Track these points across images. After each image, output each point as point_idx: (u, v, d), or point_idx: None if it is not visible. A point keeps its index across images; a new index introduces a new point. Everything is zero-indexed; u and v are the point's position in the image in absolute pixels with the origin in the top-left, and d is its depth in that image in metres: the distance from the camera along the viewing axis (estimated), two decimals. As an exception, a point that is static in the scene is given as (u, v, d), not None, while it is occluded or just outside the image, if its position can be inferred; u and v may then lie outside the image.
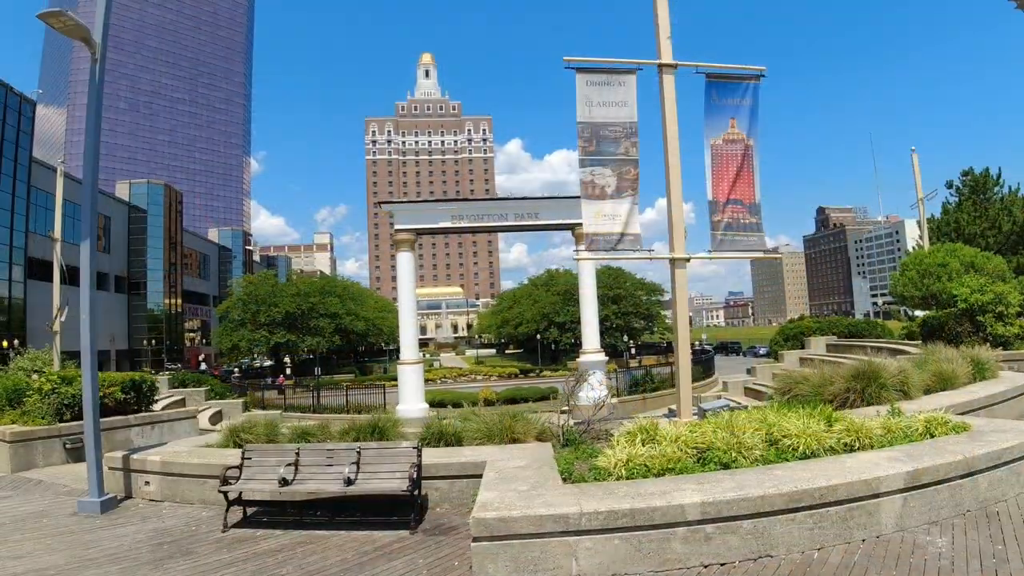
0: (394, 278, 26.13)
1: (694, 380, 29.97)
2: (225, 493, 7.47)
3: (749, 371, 26.34)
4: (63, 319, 21.19)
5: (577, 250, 10.63)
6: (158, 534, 7.57)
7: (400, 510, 7.26)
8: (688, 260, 10.44)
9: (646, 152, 12.43)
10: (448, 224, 24.95)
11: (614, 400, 25.59)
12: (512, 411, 8.95)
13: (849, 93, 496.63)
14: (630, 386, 28.27)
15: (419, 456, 7.24)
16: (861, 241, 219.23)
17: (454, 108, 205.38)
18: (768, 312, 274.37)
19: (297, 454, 7.58)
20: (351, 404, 28.01)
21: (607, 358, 27.68)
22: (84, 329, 9.19)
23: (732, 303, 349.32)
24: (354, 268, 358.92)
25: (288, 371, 61.43)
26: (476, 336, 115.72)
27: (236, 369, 56.14)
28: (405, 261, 25.13)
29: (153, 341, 75.31)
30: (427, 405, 24.46)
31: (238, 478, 7.67)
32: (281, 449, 7.77)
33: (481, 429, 8.54)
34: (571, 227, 22.62)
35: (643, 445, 6.55)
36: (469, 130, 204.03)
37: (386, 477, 7.13)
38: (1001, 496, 6.18)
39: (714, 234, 10.60)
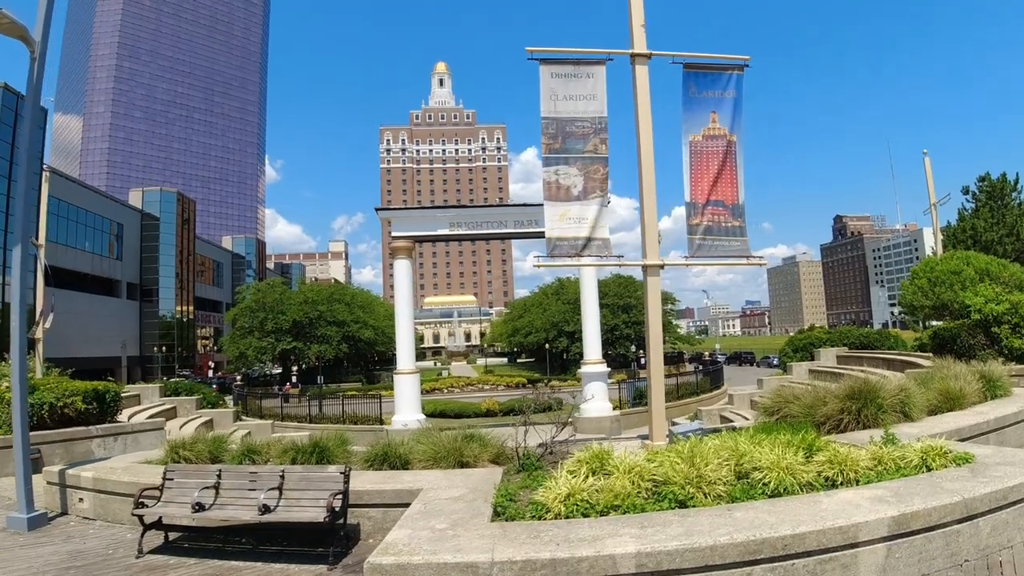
0: (407, 287, 25.58)
1: (701, 392, 29.25)
2: (140, 516, 6.83)
3: (760, 383, 25.39)
4: (47, 325, 20.88)
5: (539, 256, 9.73)
6: (72, 557, 7.04)
7: (327, 540, 6.52)
8: (662, 267, 9.42)
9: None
10: (446, 231, 24.43)
11: (616, 413, 24.70)
12: (468, 430, 8.16)
13: (863, 96, 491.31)
14: (634, 398, 27.34)
15: (346, 482, 6.47)
16: (879, 250, 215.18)
17: (468, 116, 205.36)
18: (785, 321, 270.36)
19: (219, 476, 6.88)
20: (347, 415, 27.52)
21: (615, 368, 26.85)
22: (14, 334, 8.63)
23: (749, 312, 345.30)
24: (370, 276, 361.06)
25: (294, 379, 61.12)
26: (488, 345, 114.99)
27: (238, 376, 55.80)
28: (402, 269, 24.62)
29: (164, 348, 75.45)
30: (424, 416, 23.81)
31: (158, 499, 7.02)
32: (202, 471, 7.09)
33: (428, 451, 7.74)
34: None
35: (592, 476, 5.72)
36: (483, 138, 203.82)
37: (308, 505, 6.38)
38: (1006, 543, 5.26)
39: (691, 239, 9.64)
